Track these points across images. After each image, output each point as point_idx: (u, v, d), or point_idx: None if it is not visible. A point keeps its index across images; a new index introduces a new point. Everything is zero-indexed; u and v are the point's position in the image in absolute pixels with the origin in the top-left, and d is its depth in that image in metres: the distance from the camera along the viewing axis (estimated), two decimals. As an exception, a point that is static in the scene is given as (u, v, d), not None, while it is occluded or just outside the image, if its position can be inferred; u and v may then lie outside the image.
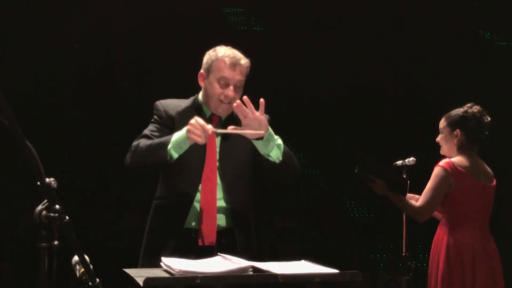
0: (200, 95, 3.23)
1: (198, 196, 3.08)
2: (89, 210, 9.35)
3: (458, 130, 3.88)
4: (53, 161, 8.21)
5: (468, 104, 3.94)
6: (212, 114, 3.18)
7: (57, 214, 1.97)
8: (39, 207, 1.98)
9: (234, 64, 3.12)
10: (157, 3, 11.44)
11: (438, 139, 3.97)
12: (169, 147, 2.94)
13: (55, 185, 1.98)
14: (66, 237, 2.00)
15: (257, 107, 2.94)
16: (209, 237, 3.06)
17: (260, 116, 2.93)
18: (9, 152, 7.30)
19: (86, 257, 2.11)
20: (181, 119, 3.10)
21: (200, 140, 2.88)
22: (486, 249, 3.79)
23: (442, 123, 3.95)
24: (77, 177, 9.42)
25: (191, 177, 3.09)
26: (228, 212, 3.11)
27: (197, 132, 2.86)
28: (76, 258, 2.21)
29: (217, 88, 3.11)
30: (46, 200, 1.98)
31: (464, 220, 3.79)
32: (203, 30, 11.47)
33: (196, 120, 2.88)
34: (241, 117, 2.94)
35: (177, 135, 2.95)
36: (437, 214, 3.92)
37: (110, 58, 11.83)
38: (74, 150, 9.85)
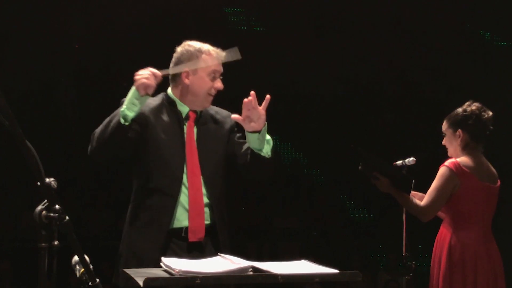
0: (171, 93, 3.22)
1: (184, 191, 3.08)
2: (89, 210, 9.35)
3: (460, 130, 3.87)
4: (53, 161, 8.22)
5: (467, 103, 3.94)
6: (189, 111, 3.18)
7: (57, 214, 1.97)
8: (39, 207, 1.98)
9: (219, 56, 3.17)
10: (157, 3, 11.43)
11: (444, 141, 3.97)
12: (122, 109, 2.92)
13: (55, 185, 1.98)
14: (66, 237, 2.00)
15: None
16: (198, 233, 3.07)
17: (262, 110, 3.02)
18: (9, 152, 7.31)
19: (86, 257, 2.11)
20: (154, 117, 3.11)
21: (149, 82, 2.90)
22: (488, 250, 3.79)
23: (444, 125, 3.95)
24: (77, 177, 9.42)
25: (174, 174, 3.08)
26: (209, 207, 3.12)
27: (144, 75, 2.91)
28: (76, 258, 2.21)
29: (208, 82, 3.15)
30: (46, 200, 1.98)
31: (467, 220, 3.79)
32: (203, 30, 11.47)
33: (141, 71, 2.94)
34: (244, 109, 3.00)
35: (128, 94, 2.96)
36: (440, 214, 3.91)
37: (110, 58, 11.82)
38: (74, 150, 9.84)
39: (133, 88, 2.94)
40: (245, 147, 3.22)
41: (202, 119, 3.22)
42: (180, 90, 3.18)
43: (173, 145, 3.09)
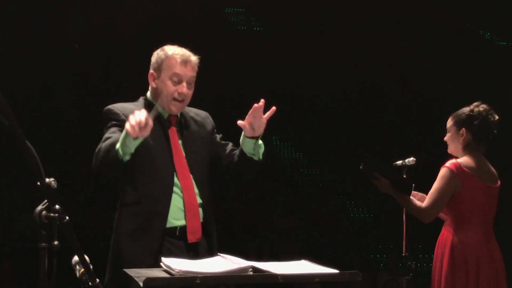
0: (150, 97, 3.22)
1: (178, 193, 3.09)
2: (89, 210, 9.34)
3: (464, 129, 3.87)
4: (53, 161, 8.21)
5: (475, 103, 3.92)
6: (170, 115, 3.19)
7: (57, 214, 1.97)
8: (39, 207, 1.98)
9: (185, 61, 3.16)
10: (157, 3, 11.43)
11: (446, 138, 3.97)
12: (117, 146, 2.88)
13: (55, 185, 1.98)
14: (66, 237, 2.00)
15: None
16: (196, 234, 3.09)
17: (264, 119, 3.05)
18: (9, 152, 7.31)
19: (86, 257, 2.11)
20: None
21: (133, 133, 2.76)
22: (490, 250, 3.79)
23: (449, 122, 3.94)
24: (77, 177, 9.42)
25: (165, 180, 3.08)
26: (201, 207, 3.14)
27: (131, 124, 2.76)
28: (76, 258, 2.21)
29: (170, 86, 3.14)
30: (46, 200, 1.98)
31: (469, 221, 3.79)
32: (203, 30, 11.47)
33: (133, 115, 2.79)
34: (251, 114, 3.02)
35: (122, 134, 2.89)
36: (441, 215, 3.91)
37: (110, 58, 11.82)
38: (74, 150, 9.84)
39: (124, 131, 2.83)
40: (228, 148, 3.28)
41: (184, 122, 3.24)
42: (152, 93, 3.21)
43: (161, 151, 3.10)
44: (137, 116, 2.76)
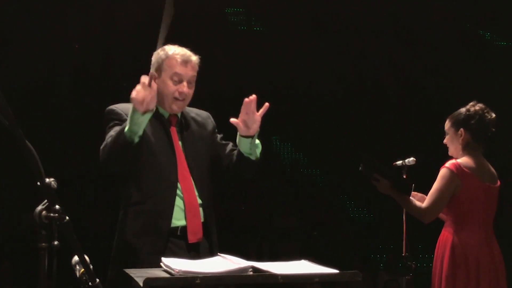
0: None
1: (178, 193, 3.10)
2: (89, 210, 9.35)
3: (462, 129, 3.87)
4: (53, 161, 8.21)
5: (471, 103, 3.94)
6: (170, 115, 3.19)
7: (57, 214, 1.96)
8: (39, 207, 1.98)
9: (186, 61, 3.15)
10: (157, 3, 11.43)
11: (445, 140, 3.97)
12: (125, 130, 2.86)
13: (55, 185, 1.97)
14: (66, 237, 2.00)
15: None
16: (196, 234, 3.09)
17: (258, 116, 3.02)
18: (9, 152, 7.32)
19: (86, 257, 2.11)
20: None
21: (141, 96, 2.77)
22: (490, 250, 3.79)
23: (447, 124, 3.95)
24: (77, 177, 9.43)
25: (169, 179, 3.07)
26: (201, 207, 3.14)
27: (136, 90, 2.77)
28: (76, 258, 2.20)
29: (171, 86, 3.14)
30: (46, 200, 1.98)
31: (469, 221, 3.79)
32: (203, 30, 11.47)
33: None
34: (243, 111, 3.00)
35: (129, 113, 2.87)
36: (441, 216, 3.91)
37: (110, 58, 11.83)
38: (74, 150, 9.85)
39: (131, 108, 2.82)
40: (228, 148, 3.27)
41: (184, 123, 3.24)
42: (156, 94, 3.20)
43: (163, 150, 3.10)
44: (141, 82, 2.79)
